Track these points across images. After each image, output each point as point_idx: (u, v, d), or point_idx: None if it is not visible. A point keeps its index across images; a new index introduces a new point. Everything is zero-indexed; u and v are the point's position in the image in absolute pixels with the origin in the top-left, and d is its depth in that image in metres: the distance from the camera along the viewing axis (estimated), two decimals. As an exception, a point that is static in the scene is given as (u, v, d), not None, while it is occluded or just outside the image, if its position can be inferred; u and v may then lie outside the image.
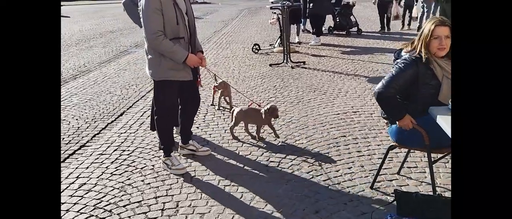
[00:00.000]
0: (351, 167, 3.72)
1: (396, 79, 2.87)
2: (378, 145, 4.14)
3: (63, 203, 3.28)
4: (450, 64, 2.83)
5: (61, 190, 3.49)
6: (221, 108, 5.46)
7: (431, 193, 2.84)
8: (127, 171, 3.81)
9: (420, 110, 2.89)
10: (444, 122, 2.54)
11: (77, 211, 3.16)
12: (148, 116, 4.99)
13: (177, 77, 3.53)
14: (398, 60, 2.97)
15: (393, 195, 2.93)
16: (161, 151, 3.89)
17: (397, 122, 2.96)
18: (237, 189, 3.39)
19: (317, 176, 3.57)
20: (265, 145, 4.24)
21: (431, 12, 10.93)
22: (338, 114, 5.11)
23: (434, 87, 2.84)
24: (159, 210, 3.14)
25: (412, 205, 2.71)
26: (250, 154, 4.04)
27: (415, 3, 12.23)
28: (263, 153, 4.05)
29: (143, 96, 6.18)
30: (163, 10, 3.33)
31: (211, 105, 5.59)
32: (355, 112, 5.17)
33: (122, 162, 4.00)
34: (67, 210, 3.18)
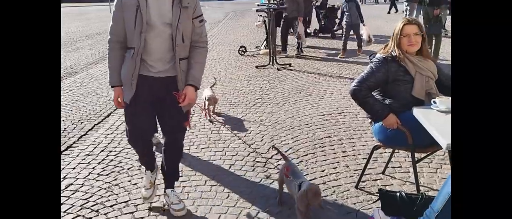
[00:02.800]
0: (336, 167, 3.77)
1: (367, 78, 3.02)
2: (363, 145, 4.19)
3: (48, 204, 3.26)
4: (423, 60, 3.00)
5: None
6: (213, 118, 5.15)
7: (415, 192, 2.89)
8: (114, 171, 3.80)
9: (399, 107, 2.98)
10: (425, 119, 2.60)
11: (64, 211, 3.15)
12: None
13: (125, 97, 2.88)
14: (371, 61, 3.12)
15: (378, 194, 2.98)
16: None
17: (382, 122, 3.02)
18: (224, 189, 3.41)
19: (303, 175, 3.60)
20: (251, 146, 4.26)
21: (414, 15, 11.07)
22: (324, 115, 5.17)
23: (409, 82, 2.98)
24: (146, 210, 3.14)
25: (396, 204, 2.76)
26: (236, 155, 4.06)
27: (362, 24, 9.09)
28: (249, 154, 4.08)
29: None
30: (124, 12, 2.73)
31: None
32: (340, 113, 5.23)
33: (109, 162, 3.99)
34: (53, 211, 3.16)
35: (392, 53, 3.02)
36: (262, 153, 4.09)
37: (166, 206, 3.13)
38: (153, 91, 2.86)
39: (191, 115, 3.29)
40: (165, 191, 3.18)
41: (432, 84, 3.01)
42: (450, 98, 2.80)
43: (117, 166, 3.90)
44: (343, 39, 9.20)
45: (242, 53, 9.57)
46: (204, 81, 6.79)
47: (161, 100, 2.90)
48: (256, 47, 10.22)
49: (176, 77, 2.84)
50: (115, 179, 3.64)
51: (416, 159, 3.04)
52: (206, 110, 5.09)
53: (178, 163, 3.26)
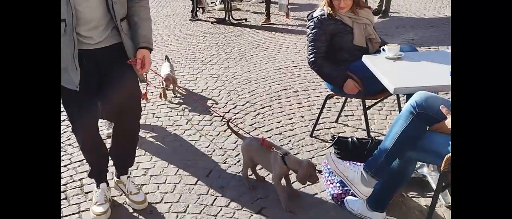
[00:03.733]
0: (292, 118, 3.82)
1: (315, 46, 3.10)
2: (317, 96, 4.26)
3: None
4: (356, 10, 3.11)
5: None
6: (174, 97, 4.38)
7: (366, 138, 2.98)
8: (67, 131, 3.70)
9: (348, 58, 3.05)
10: (374, 66, 2.66)
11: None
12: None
13: (64, 83, 2.29)
14: (307, 29, 3.19)
15: (331, 141, 3.06)
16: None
17: (344, 90, 3.09)
18: (181, 144, 3.40)
19: (260, 127, 3.65)
20: (209, 101, 4.24)
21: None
22: (280, 68, 5.18)
23: (349, 32, 3.08)
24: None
25: (348, 149, 2.85)
26: (194, 110, 4.04)
27: None
28: (207, 109, 4.06)
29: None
30: None
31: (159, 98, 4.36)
32: (296, 66, 5.26)
33: (62, 121, 3.87)
34: None
35: (325, 11, 3.11)
36: (219, 108, 4.08)
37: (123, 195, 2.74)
38: (98, 67, 2.39)
39: (148, 85, 2.76)
40: (118, 178, 2.78)
41: (370, 30, 3.12)
42: (398, 45, 2.86)
43: (70, 126, 3.79)
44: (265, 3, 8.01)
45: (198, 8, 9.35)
46: (156, 54, 6.63)
47: (107, 77, 2.41)
48: (212, 2, 10.02)
49: (121, 43, 2.39)
50: (68, 139, 3.55)
51: (367, 106, 3.12)
52: (162, 91, 4.25)
53: (135, 146, 2.81)
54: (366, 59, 2.84)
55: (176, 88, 4.43)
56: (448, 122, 2.02)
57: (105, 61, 2.38)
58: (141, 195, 2.69)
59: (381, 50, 2.89)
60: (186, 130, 3.65)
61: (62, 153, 3.32)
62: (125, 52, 2.40)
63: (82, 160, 3.16)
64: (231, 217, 2.53)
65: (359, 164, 2.50)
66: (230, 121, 2.89)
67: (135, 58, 2.42)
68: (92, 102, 2.35)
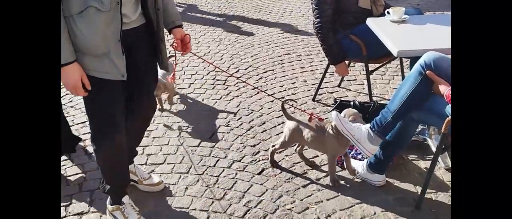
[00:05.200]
0: (295, 82, 3.82)
1: (321, 9, 3.04)
2: (321, 61, 4.24)
3: None
4: None
5: None
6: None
7: (368, 101, 2.99)
8: (68, 93, 3.71)
9: (352, 22, 3.03)
10: (378, 29, 2.64)
11: None
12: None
13: (103, 73, 1.86)
14: None
15: (333, 105, 3.07)
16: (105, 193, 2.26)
17: (334, 66, 3.17)
18: (184, 107, 3.42)
19: (262, 91, 3.65)
20: (210, 65, 4.23)
21: None
22: (283, 33, 5.14)
23: None
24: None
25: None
26: (196, 74, 4.03)
27: None
28: (209, 72, 4.05)
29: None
30: None
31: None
32: (299, 31, 5.21)
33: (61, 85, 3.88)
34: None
35: None
36: (222, 72, 4.07)
37: (136, 182, 2.49)
38: (138, 54, 1.99)
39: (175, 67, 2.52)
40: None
41: None
42: (403, 8, 2.83)
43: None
44: None
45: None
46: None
47: (135, 68, 1.99)
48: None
49: (145, 24, 1.99)
50: (70, 101, 3.58)
51: (369, 69, 3.11)
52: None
53: (142, 132, 2.45)
54: (370, 22, 2.81)
55: (173, 98, 3.41)
56: (437, 85, 2.06)
57: (134, 46, 1.96)
58: (155, 177, 2.52)
59: (386, 13, 2.86)
60: (188, 93, 3.66)
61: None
62: (147, 36, 2.03)
63: (85, 121, 3.19)
64: (233, 178, 2.57)
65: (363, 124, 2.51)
66: (286, 102, 2.72)
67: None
68: (121, 100, 2.00)
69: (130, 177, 2.32)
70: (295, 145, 2.69)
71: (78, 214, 2.32)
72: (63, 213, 2.32)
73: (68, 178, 2.59)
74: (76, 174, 2.63)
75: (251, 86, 3.51)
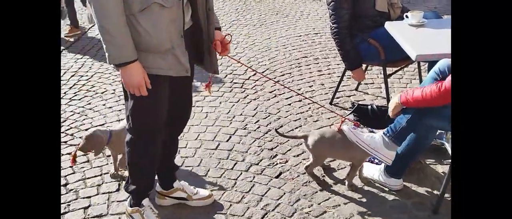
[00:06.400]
0: (312, 85, 3.82)
1: (338, 13, 3.02)
2: (338, 64, 4.23)
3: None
4: None
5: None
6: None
7: (386, 105, 2.97)
8: (87, 96, 3.77)
9: (370, 25, 3.01)
10: (397, 32, 2.62)
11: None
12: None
13: (166, 70, 1.88)
14: None
15: (351, 109, 3.06)
16: (130, 187, 2.20)
17: (351, 72, 3.18)
18: (202, 110, 3.44)
19: (279, 95, 3.66)
20: (227, 67, 4.25)
21: None
22: (300, 36, 5.14)
23: None
24: (124, 131, 3.16)
25: (368, 116, 2.85)
26: (213, 77, 4.05)
27: None
28: (227, 75, 4.07)
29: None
30: None
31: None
32: (317, 33, 5.20)
33: (80, 87, 3.94)
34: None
35: None
36: (239, 75, 4.09)
37: (186, 198, 2.39)
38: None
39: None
40: (173, 186, 2.37)
41: None
42: (421, 12, 2.81)
43: (90, 91, 3.86)
44: None
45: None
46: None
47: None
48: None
49: (199, 25, 1.99)
50: (89, 103, 3.63)
51: (387, 73, 3.10)
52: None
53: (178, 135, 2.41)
54: (389, 25, 2.80)
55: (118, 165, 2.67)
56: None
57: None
58: (202, 190, 2.43)
59: (404, 17, 2.85)
60: (206, 96, 3.68)
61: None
62: (192, 39, 1.99)
63: (103, 124, 3.24)
64: (251, 181, 2.58)
65: (376, 132, 2.50)
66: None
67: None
68: (165, 102, 2.01)
69: (153, 182, 2.28)
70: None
71: (97, 216, 2.35)
72: (82, 216, 2.35)
73: (87, 180, 2.63)
74: (95, 176, 2.67)
75: (288, 88, 3.53)
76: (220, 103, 3.55)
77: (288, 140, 2.96)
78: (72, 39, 5.26)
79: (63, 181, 2.59)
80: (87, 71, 4.29)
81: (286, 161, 2.75)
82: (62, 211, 2.38)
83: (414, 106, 2.17)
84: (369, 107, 2.90)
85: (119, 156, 2.60)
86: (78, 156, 2.70)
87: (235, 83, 3.91)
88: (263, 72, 4.12)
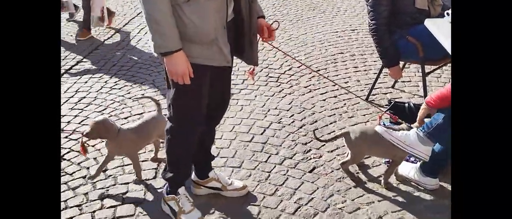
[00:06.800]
0: (348, 82, 3.80)
1: (377, 10, 2.98)
2: (375, 61, 4.18)
3: (63, 116, 3.37)
4: None
5: (62, 103, 3.57)
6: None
7: (424, 104, 2.93)
8: (127, 85, 3.87)
9: (410, 22, 2.97)
10: (437, 30, 2.58)
11: (79, 123, 3.26)
12: (146, 33, 4.96)
13: (209, 60, 1.93)
14: None
15: (387, 106, 3.03)
16: (168, 173, 2.24)
17: (388, 69, 3.15)
18: (237, 102, 3.48)
19: (314, 90, 3.65)
20: (264, 61, 4.27)
21: None
22: (337, 32, 5.10)
23: None
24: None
25: (405, 114, 2.81)
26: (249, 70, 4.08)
27: None
28: (262, 69, 4.10)
29: (139, 13, 6.10)
30: None
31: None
32: (353, 30, 5.15)
33: (121, 77, 4.05)
34: (68, 122, 3.28)
35: None
36: (275, 69, 4.10)
37: (220, 189, 2.42)
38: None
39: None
40: (208, 176, 2.41)
41: None
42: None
43: (130, 81, 3.96)
44: None
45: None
46: None
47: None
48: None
49: (241, 17, 2.00)
50: (128, 93, 3.72)
51: (426, 71, 3.05)
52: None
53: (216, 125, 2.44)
54: (429, 23, 2.75)
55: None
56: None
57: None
58: (237, 181, 2.47)
59: (445, 15, 2.79)
60: (242, 89, 3.71)
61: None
62: (233, 31, 2.02)
63: (142, 113, 3.31)
64: (284, 174, 2.60)
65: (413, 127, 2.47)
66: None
67: (262, 27, 2.10)
68: (206, 94, 2.07)
69: (190, 171, 2.34)
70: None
71: (134, 202, 2.41)
72: (120, 201, 2.42)
73: (125, 167, 2.71)
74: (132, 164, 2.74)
75: (332, 81, 3.52)
76: (256, 96, 3.58)
77: (322, 135, 2.96)
78: (112, 31, 5.39)
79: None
80: (127, 62, 4.39)
81: (320, 156, 2.75)
82: (101, 195, 2.46)
83: (440, 104, 2.18)
84: (406, 105, 2.87)
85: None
86: (88, 146, 2.71)
87: (271, 77, 3.93)
88: (298, 67, 4.12)
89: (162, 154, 2.51)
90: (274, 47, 2.74)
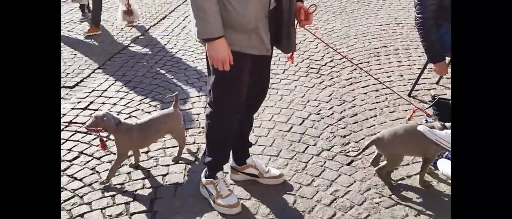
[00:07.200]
0: (390, 76, 3.74)
1: (424, 3, 2.91)
2: (419, 56, 4.09)
3: (109, 97, 3.50)
4: None
5: (109, 86, 3.70)
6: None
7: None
8: (171, 71, 3.96)
9: None
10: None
11: (124, 105, 3.37)
12: (190, 21, 5.04)
13: (249, 48, 1.97)
14: None
15: (430, 102, 2.97)
16: (207, 161, 2.31)
17: (433, 64, 3.06)
18: (277, 92, 3.50)
19: (355, 83, 3.62)
20: (305, 52, 4.26)
21: None
22: (381, 25, 5.02)
23: None
24: (202, 107, 3.30)
25: (449, 110, 2.75)
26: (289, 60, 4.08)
27: None
28: (303, 60, 4.09)
29: (184, 1, 6.20)
30: None
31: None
32: (398, 23, 5.05)
33: (166, 63, 4.15)
34: (114, 104, 3.39)
35: None
36: (316, 60, 4.09)
37: (257, 176, 2.46)
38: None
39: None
40: (246, 162, 2.44)
41: None
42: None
43: (174, 67, 4.05)
44: None
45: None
46: None
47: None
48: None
49: (281, 4, 2.01)
50: (172, 78, 3.81)
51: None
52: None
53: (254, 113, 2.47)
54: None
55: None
56: None
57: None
58: (274, 169, 2.51)
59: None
60: (282, 79, 3.73)
61: (167, 91, 3.56)
62: (273, 21, 2.03)
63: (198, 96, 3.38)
64: (321, 166, 2.60)
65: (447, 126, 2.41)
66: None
67: (299, 8, 2.09)
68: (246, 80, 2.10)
69: (228, 156, 2.39)
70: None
71: (173, 184, 2.49)
72: (161, 182, 2.50)
73: (167, 149, 2.79)
74: (174, 146, 2.81)
75: (372, 76, 3.48)
76: (296, 87, 3.59)
77: (362, 129, 2.94)
78: (158, 18, 5.51)
79: (145, 149, 2.76)
80: (172, 48, 4.49)
81: (358, 150, 2.73)
82: (142, 176, 2.55)
83: None
84: (451, 101, 2.80)
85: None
86: (107, 140, 2.72)
87: (312, 68, 3.92)
88: (340, 59, 4.09)
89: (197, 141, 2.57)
90: (316, 37, 2.73)
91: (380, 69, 3.88)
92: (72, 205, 2.33)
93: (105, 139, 2.49)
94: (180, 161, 2.66)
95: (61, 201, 2.35)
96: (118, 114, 3.21)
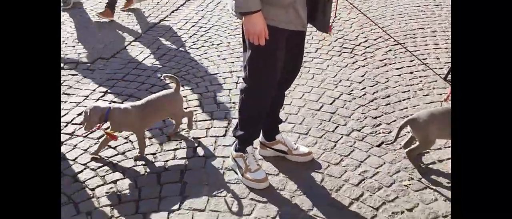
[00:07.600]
0: (426, 58, 3.66)
1: None
2: (458, 39, 3.97)
3: (145, 69, 3.56)
4: None
5: (144, 58, 3.76)
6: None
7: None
8: (204, 46, 3.99)
9: None
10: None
11: (158, 78, 3.43)
12: (225, -4, 5.03)
13: (286, 23, 1.98)
14: None
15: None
16: (238, 134, 2.34)
17: None
18: (309, 71, 3.48)
19: (390, 64, 3.56)
20: (339, 31, 4.21)
21: None
22: (419, 6, 4.88)
23: None
24: (234, 83, 3.32)
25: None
26: (323, 39, 4.05)
27: None
28: (337, 39, 4.04)
29: (220, -23, 6.18)
30: None
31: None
32: (437, 5, 4.90)
33: (199, 37, 4.18)
34: (148, 76, 3.45)
35: None
36: (350, 40, 4.03)
37: (286, 152, 2.47)
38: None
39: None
40: (275, 138, 2.46)
41: None
42: None
43: (207, 42, 4.07)
44: None
45: None
46: None
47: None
48: None
49: None
50: (205, 53, 3.84)
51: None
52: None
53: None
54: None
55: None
56: None
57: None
58: (302, 147, 2.51)
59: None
60: (314, 58, 3.70)
61: (200, 65, 3.59)
62: None
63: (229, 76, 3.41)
64: (351, 146, 2.59)
65: None
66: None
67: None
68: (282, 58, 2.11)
69: (259, 131, 2.41)
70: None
71: (204, 156, 2.54)
72: (191, 154, 2.55)
73: (198, 122, 2.83)
74: (205, 120, 2.86)
75: (411, 53, 3.42)
76: (328, 66, 3.56)
77: (394, 111, 2.91)
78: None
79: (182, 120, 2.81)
80: (206, 23, 4.52)
81: (390, 132, 2.71)
82: (175, 147, 2.61)
83: None
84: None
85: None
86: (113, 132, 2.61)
87: (345, 48, 3.88)
88: (375, 39, 4.02)
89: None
90: (355, 7, 2.68)
91: (416, 50, 3.80)
92: (106, 171, 2.41)
93: (109, 131, 2.46)
94: (210, 135, 2.70)
95: (96, 168, 2.44)
96: (152, 87, 3.27)
